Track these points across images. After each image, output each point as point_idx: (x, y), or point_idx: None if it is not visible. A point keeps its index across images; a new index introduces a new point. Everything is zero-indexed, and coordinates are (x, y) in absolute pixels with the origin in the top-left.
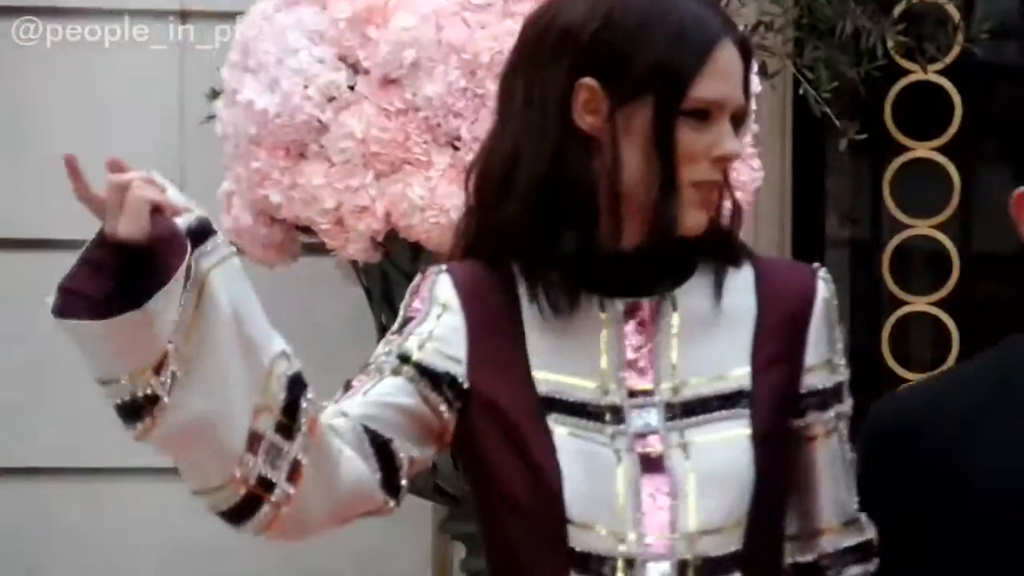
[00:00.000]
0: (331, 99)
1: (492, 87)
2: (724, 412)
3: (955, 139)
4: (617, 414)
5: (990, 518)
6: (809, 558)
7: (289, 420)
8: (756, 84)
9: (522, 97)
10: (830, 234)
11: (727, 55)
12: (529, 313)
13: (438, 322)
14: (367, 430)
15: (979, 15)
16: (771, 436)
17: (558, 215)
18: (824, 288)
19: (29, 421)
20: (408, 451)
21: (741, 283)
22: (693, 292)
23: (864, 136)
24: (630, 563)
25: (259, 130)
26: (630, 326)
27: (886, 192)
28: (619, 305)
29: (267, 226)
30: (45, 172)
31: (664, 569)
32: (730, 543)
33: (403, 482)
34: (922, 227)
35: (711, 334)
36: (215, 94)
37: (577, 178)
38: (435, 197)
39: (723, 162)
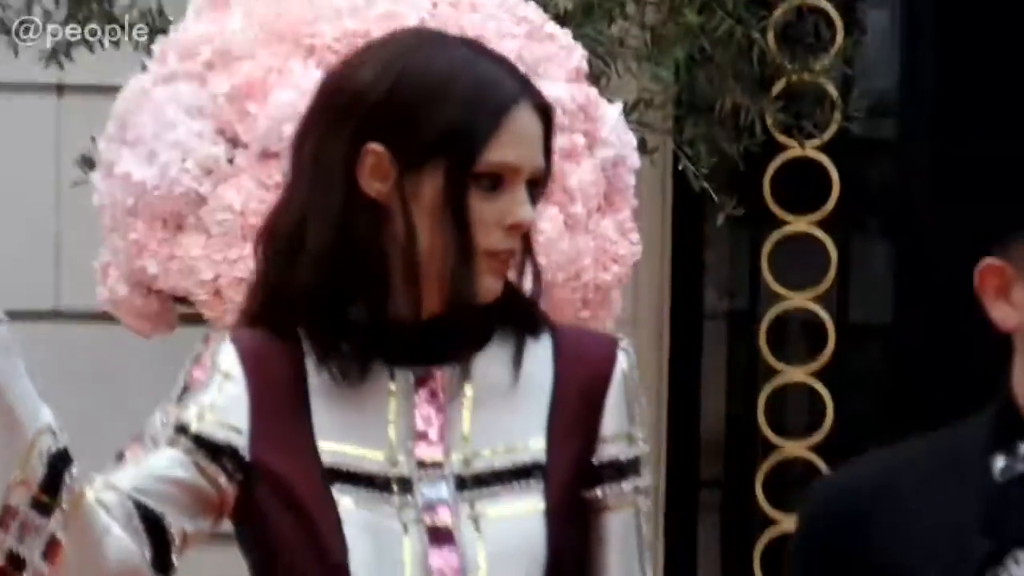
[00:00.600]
0: (209, 172)
1: None
2: (517, 485)
3: (832, 213)
4: (405, 486)
5: None
6: None
7: (48, 497)
8: (635, 160)
9: (310, 161)
10: (708, 306)
11: (523, 119)
12: (316, 383)
13: (219, 392)
14: (137, 505)
15: (856, 93)
16: (565, 510)
17: (347, 284)
18: (624, 360)
19: None
20: (181, 524)
21: (539, 353)
22: (489, 362)
23: (742, 211)
24: None
25: (136, 201)
26: (421, 396)
27: (764, 265)
28: (409, 375)
29: (143, 296)
30: None
31: None
32: None
33: (174, 558)
34: (799, 299)
35: (505, 405)
36: (88, 162)
37: (365, 246)
38: None
39: (516, 230)
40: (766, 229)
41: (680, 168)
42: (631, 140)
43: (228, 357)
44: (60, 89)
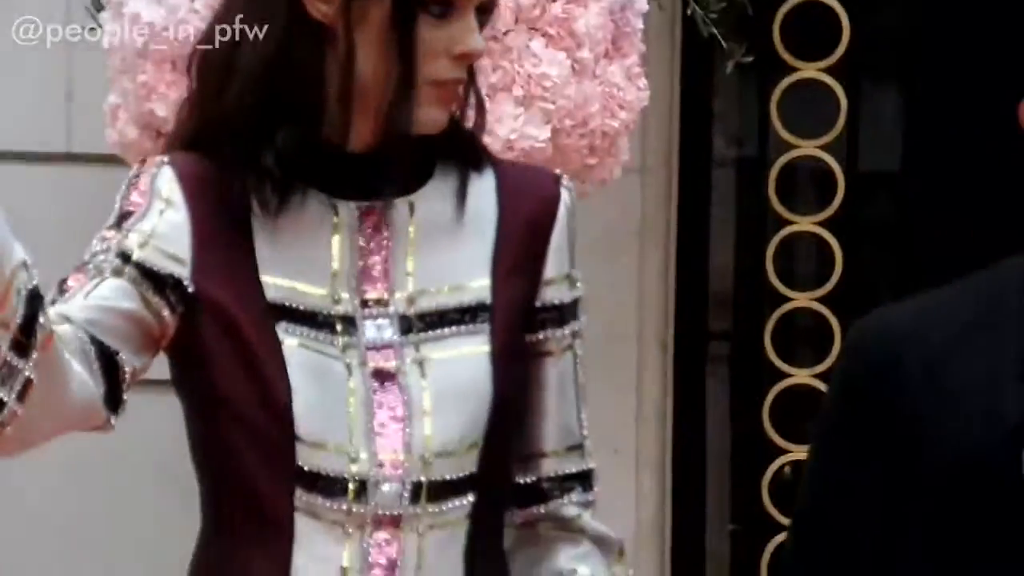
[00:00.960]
0: None
1: None
2: (463, 328)
3: (842, 60)
4: (349, 324)
5: (952, 470)
6: (530, 479)
7: (25, 337)
8: (643, 4)
9: None
10: (717, 154)
11: None
12: (257, 212)
13: (160, 218)
14: (93, 340)
15: None
16: (510, 353)
17: (280, 107)
18: (567, 197)
19: None
20: (132, 363)
21: (483, 188)
22: (432, 197)
23: (751, 58)
24: (362, 484)
25: (145, 43)
26: (364, 232)
27: (773, 112)
28: (353, 209)
29: (152, 140)
30: None
31: (396, 490)
32: (465, 465)
33: (124, 396)
34: (808, 147)
35: (450, 242)
36: (97, 4)
37: (303, 67)
38: None
39: (465, 59)
40: (776, 76)
41: (689, 13)
42: None
43: (168, 183)
44: None
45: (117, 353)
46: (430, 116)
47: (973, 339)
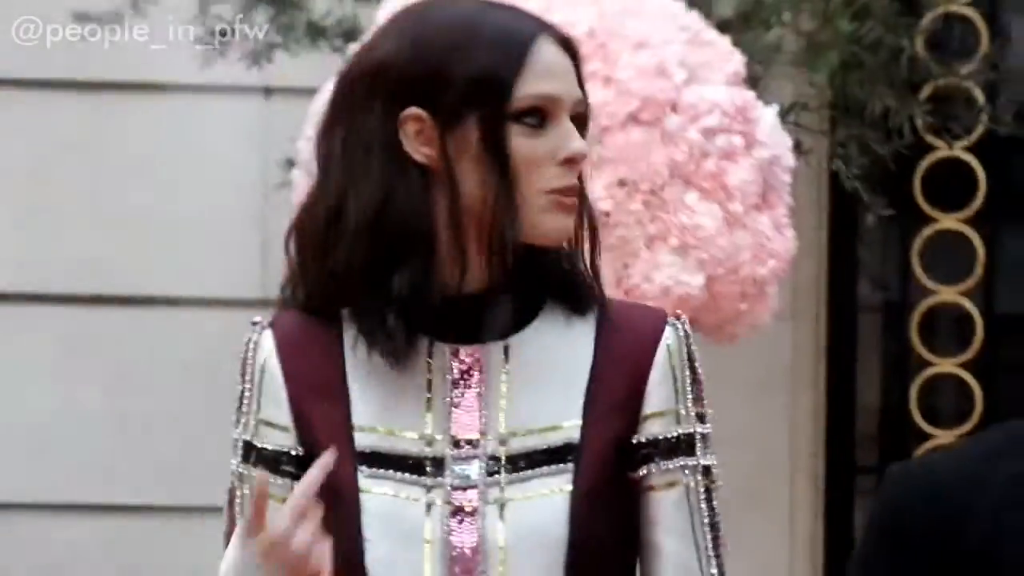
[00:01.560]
0: None
1: None
2: (548, 468)
3: (980, 211)
4: (438, 466)
5: None
6: None
7: None
8: (790, 160)
9: (340, 148)
10: (863, 299)
11: (548, 52)
12: (352, 362)
13: (261, 392)
14: None
15: (1002, 98)
16: (596, 493)
17: (391, 256)
18: (671, 334)
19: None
20: None
21: (582, 331)
22: (530, 341)
23: (892, 212)
24: None
25: None
26: (459, 373)
27: (915, 260)
28: (448, 352)
29: None
30: (135, 227)
31: None
32: None
33: None
34: (948, 293)
35: (543, 384)
36: (291, 164)
37: (411, 211)
38: None
39: (572, 164)
40: (917, 226)
41: (833, 168)
42: (787, 141)
43: (264, 351)
44: (267, 92)
45: None
46: (555, 224)
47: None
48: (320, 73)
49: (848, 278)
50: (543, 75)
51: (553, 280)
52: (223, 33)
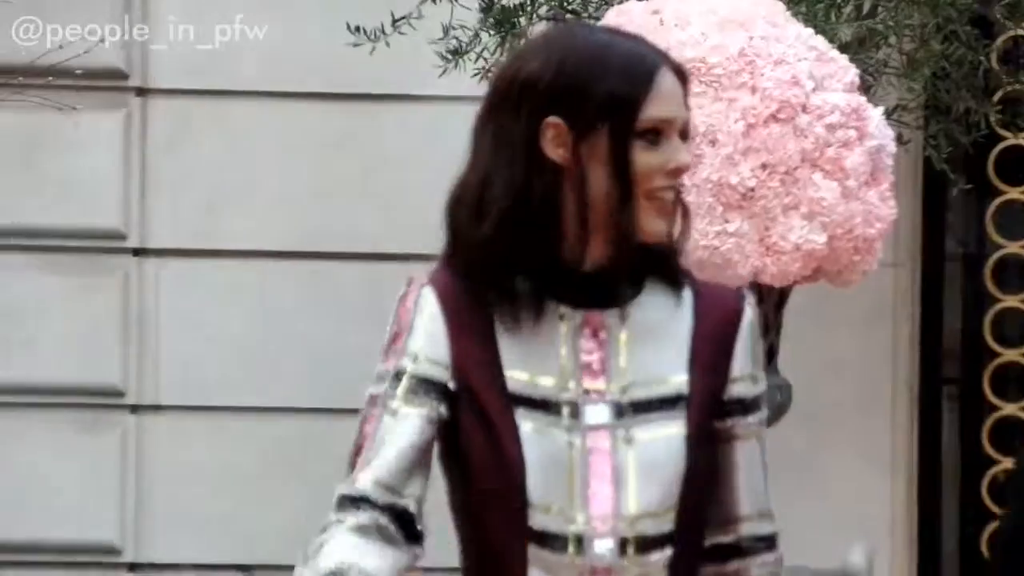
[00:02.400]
0: None
1: (707, 149)
2: (663, 413)
3: None
4: (574, 408)
5: None
6: (730, 539)
7: None
8: (893, 148)
9: (491, 140)
10: (949, 251)
11: (668, 80)
12: (499, 318)
13: (424, 333)
14: (394, 514)
15: None
16: (701, 435)
17: (524, 237)
18: (749, 311)
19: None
20: (421, 495)
21: (680, 302)
22: (642, 307)
23: (970, 186)
24: (579, 540)
25: None
26: (586, 334)
27: (988, 222)
28: (577, 316)
29: None
30: (387, 207)
31: (608, 545)
32: (664, 524)
33: (421, 528)
34: (1013, 247)
35: (655, 345)
36: None
37: (544, 200)
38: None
39: (676, 174)
40: (990, 197)
41: (926, 154)
42: (890, 134)
43: (429, 301)
44: None
45: (409, 509)
46: (654, 226)
47: None
48: None
49: (938, 236)
50: (662, 100)
51: (652, 261)
52: (458, 52)
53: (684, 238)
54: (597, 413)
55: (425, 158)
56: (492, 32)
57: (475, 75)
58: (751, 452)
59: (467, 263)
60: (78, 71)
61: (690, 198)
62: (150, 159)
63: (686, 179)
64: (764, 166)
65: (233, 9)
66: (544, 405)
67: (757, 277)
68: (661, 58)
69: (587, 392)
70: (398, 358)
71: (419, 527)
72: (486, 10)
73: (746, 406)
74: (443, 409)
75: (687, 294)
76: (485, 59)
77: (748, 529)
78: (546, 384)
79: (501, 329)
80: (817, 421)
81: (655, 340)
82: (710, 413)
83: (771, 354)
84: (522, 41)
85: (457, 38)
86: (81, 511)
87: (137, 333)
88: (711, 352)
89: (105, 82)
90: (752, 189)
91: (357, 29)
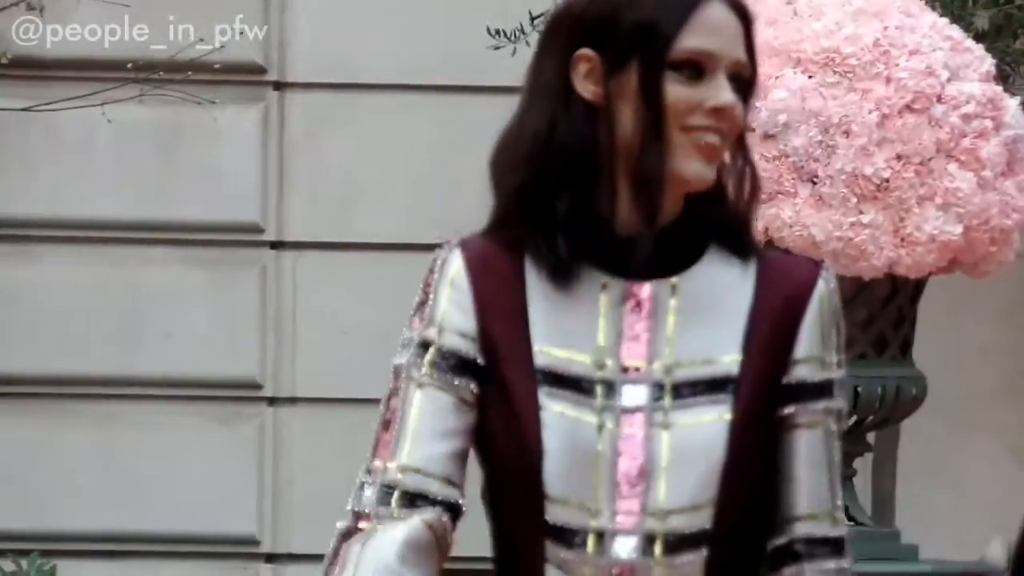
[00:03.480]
0: None
1: (841, 140)
2: (709, 396)
3: None
4: (609, 388)
5: None
6: (782, 541)
7: None
8: None
9: (530, 80)
10: None
11: (715, 12)
12: (533, 285)
13: (448, 301)
14: (446, 507)
15: None
16: (751, 423)
17: (559, 177)
18: (823, 285)
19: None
20: (463, 479)
21: (744, 275)
22: (695, 279)
23: None
24: (600, 536)
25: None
26: (629, 306)
27: None
28: (621, 286)
29: None
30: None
31: (631, 543)
32: (700, 521)
33: (462, 503)
34: None
35: (708, 321)
36: None
37: (571, 142)
38: (800, 217)
39: (719, 114)
40: None
41: None
42: None
43: (455, 266)
44: None
45: (457, 498)
46: (692, 169)
47: None
48: None
49: None
50: (704, 31)
51: (718, 227)
52: None
53: (752, 205)
54: (635, 394)
55: None
56: None
57: None
58: (815, 443)
59: (502, 220)
60: (217, 66)
61: (824, 188)
62: (287, 153)
63: (821, 171)
64: (899, 157)
65: (368, 6)
66: (576, 384)
67: (892, 268)
68: None
69: (626, 371)
70: (424, 327)
71: (461, 502)
72: None
73: (811, 391)
74: (473, 387)
75: (751, 265)
76: None
77: (804, 530)
78: (581, 361)
79: (536, 297)
80: (954, 413)
81: (708, 315)
82: (765, 398)
83: (905, 346)
84: None
85: None
86: (220, 502)
87: (274, 326)
88: (771, 330)
89: (244, 76)
90: (887, 180)
91: (497, 32)
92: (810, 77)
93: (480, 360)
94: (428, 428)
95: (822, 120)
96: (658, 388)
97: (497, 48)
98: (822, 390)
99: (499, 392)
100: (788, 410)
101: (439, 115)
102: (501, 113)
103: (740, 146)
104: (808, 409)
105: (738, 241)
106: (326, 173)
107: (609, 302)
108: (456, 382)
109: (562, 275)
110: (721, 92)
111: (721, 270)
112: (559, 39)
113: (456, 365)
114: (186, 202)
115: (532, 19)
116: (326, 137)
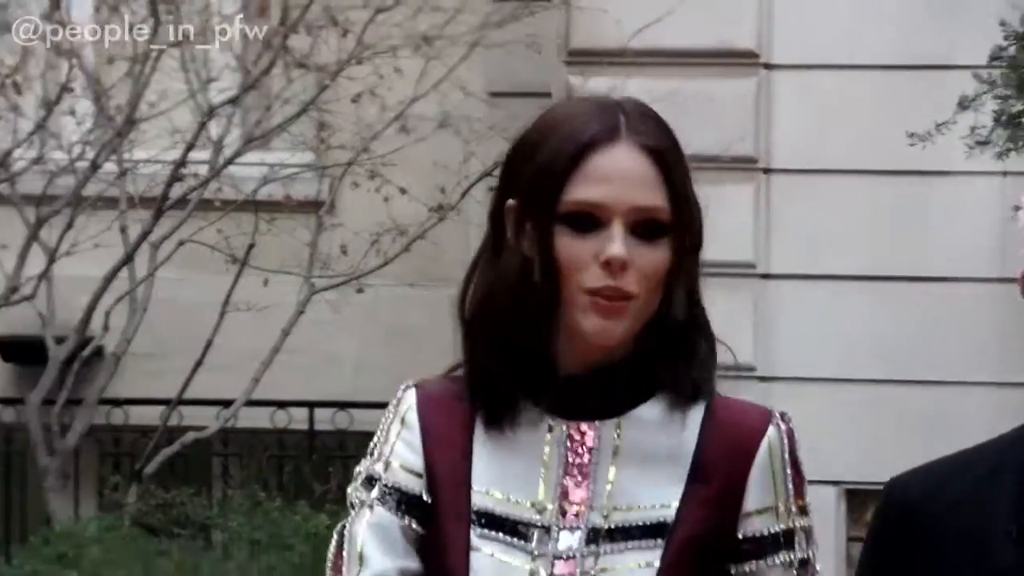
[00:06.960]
0: None
1: None
2: (641, 542)
3: None
4: (546, 532)
5: None
6: None
7: None
8: None
9: (489, 220)
10: None
11: (608, 160)
12: (480, 430)
13: (399, 439)
14: None
15: None
16: (681, 572)
17: (498, 331)
18: (773, 432)
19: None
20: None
21: (689, 420)
22: (639, 423)
23: None
24: None
25: None
26: (573, 448)
27: None
28: (564, 427)
29: None
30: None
31: None
32: None
33: None
34: None
35: (649, 466)
36: (1016, 208)
37: (509, 291)
38: None
39: (610, 267)
40: None
41: None
42: None
43: (407, 402)
44: (1004, 174)
45: None
46: (590, 325)
47: (976, 497)
48: None
49: None
50: (592, 181)
51: (661, 369)
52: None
53: (704, 351)
54: (569, 540)
55: (956, 226)
56: (1004, 129)
57: (994, 156)
58: None
59: (458, 363)
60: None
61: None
62: (773, 218)
63: None
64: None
65: (831, 101)
66: (513, 528)
67: None
68: (610, 134)
69: (564, 514)
70: (374, 462)
71: None
72: (998, 118)
73: (770, 544)
74: (415, 525)
75: (698, 411)
76: (1005, 151)
77: None
78: (521, 504)
79: (482, 439)
80: None
81: (650, 460)
82: (702, 549)
83: None
84: None
85: (980, 135)
86: None
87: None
88: (714, 479)
89: (739, 164)
90: None
91: (911, 135)
92: None
93: (426, 497)
94: (379, 551)
95: None
96: (594, 533)
97: (911, 145)
98: (781, 541)
99: (435, 532)
100: (747, 567)
101: (876, 192)
102: (917, 190)
103: (690, 295)
104: (769, 563)
105: (687, 384)
106: (800, 222)
107: (554, 445)
108: (401, 519)
109: (506, 417)
110: (610, 244)
111: (667, 413)
112: (500, 189)
113: (400, 501)
114: None
115: (937, 126)
116: (797, 207)
